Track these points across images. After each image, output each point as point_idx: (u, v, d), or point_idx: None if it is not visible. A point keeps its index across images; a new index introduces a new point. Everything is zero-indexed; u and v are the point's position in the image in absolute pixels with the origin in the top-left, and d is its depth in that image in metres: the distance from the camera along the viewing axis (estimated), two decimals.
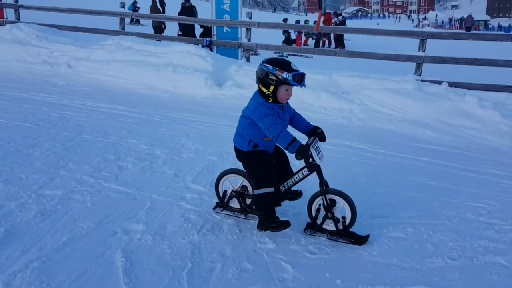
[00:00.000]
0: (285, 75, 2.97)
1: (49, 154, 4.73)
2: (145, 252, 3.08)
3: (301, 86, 3.05)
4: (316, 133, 3.29)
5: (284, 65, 3.03)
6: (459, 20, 75.11)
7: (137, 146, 5.14)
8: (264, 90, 3.08)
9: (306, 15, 69.21)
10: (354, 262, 3.07)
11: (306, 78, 3.08)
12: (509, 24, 66.49)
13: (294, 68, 3.02)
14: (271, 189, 3.25)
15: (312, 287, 2.78)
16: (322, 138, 3.30)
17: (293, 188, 3.45)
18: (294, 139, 3.00)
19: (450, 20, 77.37)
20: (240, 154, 3.35)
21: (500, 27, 65.84)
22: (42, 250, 3.01)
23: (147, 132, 5.64)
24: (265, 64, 3.07)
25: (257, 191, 3.29)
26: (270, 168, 3.28)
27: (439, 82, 7.51)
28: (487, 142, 5.95)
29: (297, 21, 24.20)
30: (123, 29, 11.17)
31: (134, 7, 24.01)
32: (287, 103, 3.24)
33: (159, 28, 16.73)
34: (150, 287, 2.73)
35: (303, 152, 2.98)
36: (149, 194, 3.93)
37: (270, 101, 3.10)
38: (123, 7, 11.50)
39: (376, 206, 3.86)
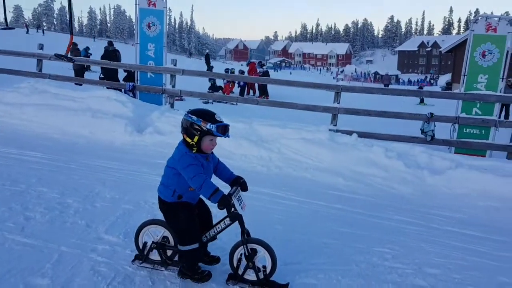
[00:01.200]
0: (209, 126, 3.06)
1: None
2: None
3: (225, 137, 3.14)
4: (239, 183, 3.37)
5: (208, 116, 3.12)
6: (374, 74, 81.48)
7: (48, 194, 4.89)
8: (189, 140, 3.14)
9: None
10: None
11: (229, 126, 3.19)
12: (417, 79, 73.29)
13: (218, 119, 3.11)
14: (196, 245, 3.26)
15: None
16: (244, 188, 3.39)
17: (212, 253, 3.56)
18: (217, 189, 3.07)
19: (365, 74, 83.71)
20: (163, 205, 3.32)
21: (410, 82, 72.29)
22: None
23: (60, 180, 5.39)
24: (190, 115, 3.13)
25: (182, 248, 3.27)
26: (194, 222, 3.29)
27: (352, 133, 8.05)
28: (393, 190, 6.41)
29: (227, 70, 24.66)
30: (41, 70, 10.78)
31: (86, 53, 23.54)
32: (212, 152, 3.31)
33: (80, 71, 16.34)
34: None
35: (225, 202, 3.04)
36: (57, 246, 3.72)
37: (194, 151, 3.15)
38: (41, 48, 11.13)
39: (290, 253, 3.96)
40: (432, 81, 69.84)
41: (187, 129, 3.13)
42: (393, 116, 8.83)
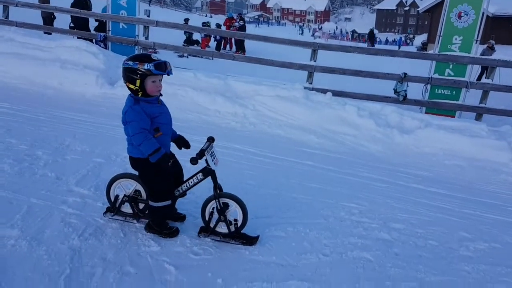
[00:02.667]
0: (146, 66, 3.01)
1: None
2: (19, 258, 2.91)
3: (168, 74, 3.12)
4: (183, 140, 3.47)
5: (144, 57, 3.09)
6: (351, 33, 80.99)
7: (16, 146, 4.79)
8: (132, 86, 3.10)
9: (211, 16, 69.34)
10: (235, 261, 3.20)
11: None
12: (394, 39, 73.16)
13: (155, 58, 3.08)
14: (169, 202, 3.30)
15: (193, 287, 2.86)
16: (186, 146, 3.48)
17: (184, 207, 3.63)
18: (159, 148, 3.08)
19: (342, 32, 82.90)
20: (136, 163, 3.29)
21: (387, 41, 72.16)
22: None
23: (28, 131, 5.27)
24: (125, 62, 3.10)
25: (154, 204, 3.29)
26: (169, 180, 3.30)
27: (327, 91, 8.08)
28: (363, 148, 6.55)
29: (204, 23, 23.97)
30: (7, 18, 10.26)
31: None
32: (160, 95, 3.26)
33: (48, 19, 15.60)
34: None
35: (164, 161, 3.08)
36: (26, 198, 3.69)
37: (140, 95, 3.11)
38: None
39: (261, 207, 4.05)
40: (408, 41, 69.87)
41: (128, 75, 3.09)
42: (368, 75, 8.86)
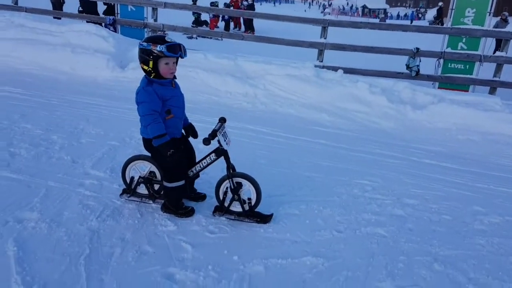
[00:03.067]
0: (159, 47, 3.03)
1: None
2: (39, 240, 2.99)
3: (181, 57, 3.14)
4: (192, 129, 3.53)
5: (158, 39, 3.11)
6: (362, 8, 79.41)
7: (32, 131, 4.86)
8: (145, 67, 3.13)
9: None
10: (250, 238, 3.25)
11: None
12: (405, 13, 71.76)
13: (168, 40, 3.09)
14: (182, 183, 3.35)
15: (210, 264, 2.91)
16: (194, 135, 3.54)
17: (198, 190, 3.70)
18: (164, 134, 3.12)
19: (352, 8, 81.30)
20: (149, 144, 3.31)
21: (398, 16, 70.77)
22: None
23: (43, 116, 5.34)
24: (141, 43, 3.13)
25: (168, 185, 3.34)
26: (181, 161, 3.33)
27: (338, 69, 8.00)
28: (375, 124, 6.52)
29: (212, 3, 23.75)
30: (16, 3, 10.28)
31: None
32: (175, 78, 3.28)
33: (57, 3, 15.61)
34: (45, 275, 2.66)
35: (164, 148, 3.12)
36: (44, 181, 3.77)
37: (152, 76, 3.13)
38: None
39: (274, 185, 4.08)
40: (420, 15, 68.36)
41: (141, 56, 3.12)
42: (379, 51, 8.74)
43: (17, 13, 9.32)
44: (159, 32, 9.90)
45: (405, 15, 71.05)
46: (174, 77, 3.26)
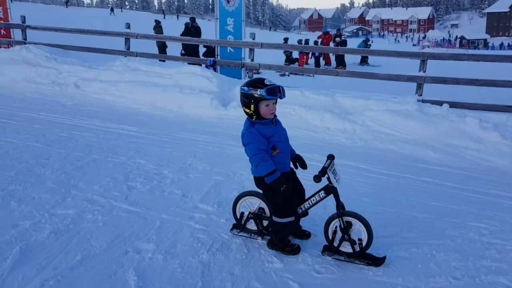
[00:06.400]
0: (259, 92, 3.13)
1: (60, 174, 4.85)
2: (156, 271, 3.16)
3: (280, 98, 3.20)
4: (300, 160, 3.51)
5: (258, 82, 3.19)
6: (459, 39, 75.82)
7: (145, 166, 5.26)
8: (247, 110, 3.25)
9: (307, 34, 69.94)
10: (359, 281, 3.14)
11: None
12: (508, 43, 67.05)
13: (267, 83, 3.17)
14: (292, 219, 3.38)
15: None
16: (303, 166, 3.51)
17: (304, 227, 3.67)
18: (275, 170, 3.16)
19: (449, 40, 77.91)
20: (259, 182, 3.39)
21: (501, 46, 66.30)
22: (57, 269, 3.09)
23: (155, 152, 5.76)
24: (242, 87, 3.25)
25: (278, 220, 3.37)
26: (292, 197, 3.37)
27: (440, 102, 7.65)
28: (488, 163, 6.05)
29: (299, 41, 24.56)
30: (128, 49, 11.39)
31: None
32: (275, 117, 3.36)
33: (162, 48, 17.02)
34: None
35: (276, 185, 3.15)
36: (158, 214, 4.02)
37: (254, 119, 3.24)
38: (128, 27, 11.74)
39: (380, 226, 3.92)
40: None
41: (243, 100, 3.24)
42: (484, 84, 8.21)
43: (132, 58, 10.32)
44: (254, 72, 10.29)
45: (508, 45, 66.33)
46: (275, 115, 3.35)
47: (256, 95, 3.15)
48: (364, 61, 22.62)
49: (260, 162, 3.17)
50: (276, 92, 3.16)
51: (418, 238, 3.78)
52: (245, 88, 3.22)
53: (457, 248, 3.64)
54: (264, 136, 3.24)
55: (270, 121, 3.31)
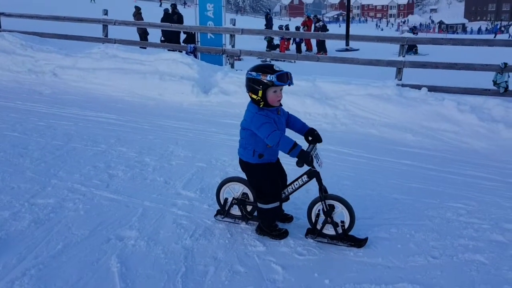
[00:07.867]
0: (269, 77, 3.06)
1: (39, 163, 4.78)
2: (139, 257, 3.17)
3: (289, 85, 3.14)
4: (313, 134, 3.42)
5: (267, 68, 3.12)
6: (438, 24, 76.58)
7: (127, 154, 5.22)
8: (254, 96, 3.18)
9: (289, 19, 69.73)
10: (341, 262, 3.20)
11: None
12: (486, 27, 67.98)
13: (277, 69, 3.11)
14: (277, 204, 3.38)
15: (302, 287, 2.90)
16: (318, 139, 3.43)
17: (286, 211, 3.69)
18: (295, 143, 3.11)
19: (429, 24, 78.66)
20: (246, 166, 3.40)
21: (479, 30, 67.19)
22: (38, 258, 3.08)
23: (136, 140, 5.71)
24: (249, 72, 3.18)
25: (263, 206, 3.38)
26: (277, 183, 3.39)
27: (419, 87, 7.74)
28: (466, 144, 6.18)
29: (281, 26, 24.49)
30: (107, 36, 11.19)
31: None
32: (280, 105, 3.32)
33: (143, 35, 16.77)
34: None
35: (304, 156, 3.08)
36: (140, 201, 4.01)
37: (261, 105, 3.18)
38: (106, 14, 11.50)
39: (361, 208, 3.97)
40: (503, 28, 64.24)
41: (250, 86, 3.17)
42: (463, 67, 8.33)
43: (110, 45, 10.14)
44: (236, 58, 10.23)
45: (486, 29, 67.28)
46: (280, 104, 3.30)
47: (265, 81, 3.08)
48: (412, 49, 19.58)
49: (280, 139, 3.09)
50: (285, 78, 3.10)
51: (397, 219, 3.86)
52: (253, 73, 3.13)
53: (435, 228, 3.73)
54: None
55: (276, 110, 3.27)
